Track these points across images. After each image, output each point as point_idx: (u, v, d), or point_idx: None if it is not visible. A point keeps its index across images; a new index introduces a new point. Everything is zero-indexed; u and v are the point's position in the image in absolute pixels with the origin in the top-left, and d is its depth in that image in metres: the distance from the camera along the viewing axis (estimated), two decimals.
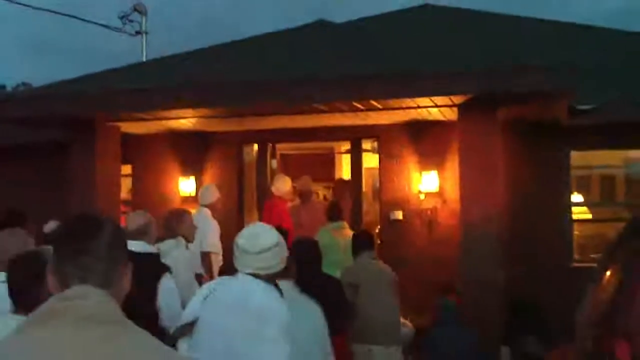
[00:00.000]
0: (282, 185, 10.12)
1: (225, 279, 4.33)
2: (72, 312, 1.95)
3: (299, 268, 5.36)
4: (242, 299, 3.99)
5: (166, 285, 5.45)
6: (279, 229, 6.65)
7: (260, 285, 4.03)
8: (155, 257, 5.71)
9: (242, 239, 4.14)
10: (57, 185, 11.17)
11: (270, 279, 4.13)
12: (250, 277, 4.05)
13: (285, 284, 5.12)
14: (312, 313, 4.98)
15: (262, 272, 4.06)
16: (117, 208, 10.43)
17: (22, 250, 4.01)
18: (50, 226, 7.49)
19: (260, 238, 4.10)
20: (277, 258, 4.13)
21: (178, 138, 11.30)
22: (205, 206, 9.53)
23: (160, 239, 6.63)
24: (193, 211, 9.71)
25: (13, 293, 3.60)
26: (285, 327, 3.96)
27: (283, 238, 4.96)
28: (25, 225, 7.58)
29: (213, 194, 9.69)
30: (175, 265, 6.01)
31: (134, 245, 5.47)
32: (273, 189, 10.24)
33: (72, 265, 2.10)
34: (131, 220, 5.97)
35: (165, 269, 5.56)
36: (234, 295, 4.04)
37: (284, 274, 5.25)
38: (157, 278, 5.40)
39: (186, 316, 4.25)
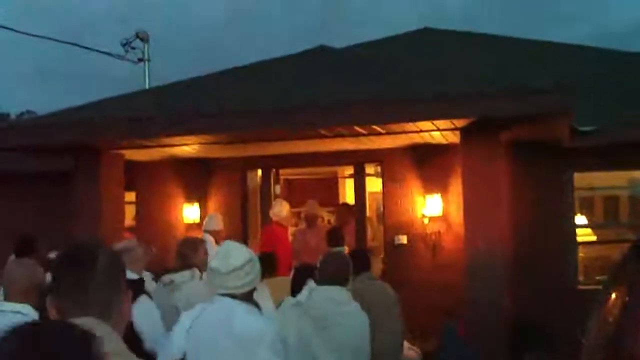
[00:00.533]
0: (280, 210, 10.05)
1: (204, 305, 4.22)
2: None
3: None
4: (225, 324, 3.93)
5: (141, 309, 5.29)
6: (266, 254, 6.71)
7: (241, 306, 3.98)
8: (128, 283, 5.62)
9: (214, 260, 4.09)
10: (62, 213, 11.18)
11: (247, 297, 4.07)
12: (228, 299, 3.99)
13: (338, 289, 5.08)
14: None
15: (237, 292, 3.99)
16: (120, 235, 10.43)
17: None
18: (55, 254, 7.47)
19: (231, 257, 4.02)
20: (251, 275, 4.06)
21: (181, 165, 11.34)
22: (209, 232, 9.55)
23: (173, 270, 6.53)
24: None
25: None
26: (273, 344, 3.92)
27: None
28: (34, 253, 7.61)
29: (218, 223, 9.78)
30: (190, 297, 5.93)
31: None
32: (271, 214, 10.17)
33: (71, 298, 2.08)
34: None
35: (139, 293, 5.43)
36: (217, 321, 3.98)
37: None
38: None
39: (173, 353, 4.14)
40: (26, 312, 4.01)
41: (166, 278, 6.41)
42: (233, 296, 3.99)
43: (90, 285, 2.08)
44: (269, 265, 7.20)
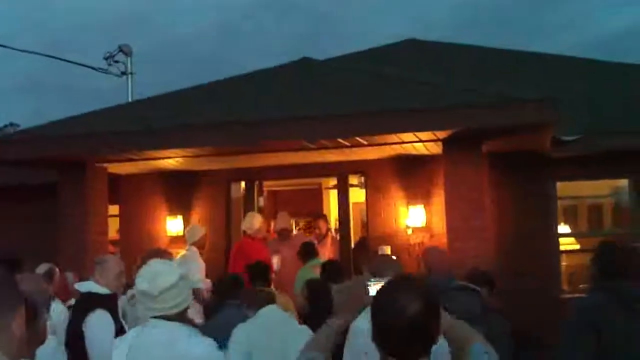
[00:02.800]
0: (252, 223, 9.81)
1: (137, 329, 3.93)
2: None
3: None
4: (168, 349, 3.68)
5: (90, 323, 5.31)
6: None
7: (181, 329, 3.76)
8: (88, 296, 5.52)
9: (142, 282, 3.80)
10: (46, 227, 11.14)
11: (183, 318, 3.85)
12: (165, 322, 3.75)
13: None
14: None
15: (171, 312, 3.76)
16: (105, 248, 10.41)
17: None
18: (43, 268, 7.43)
19: (160, 278, 3.77)
20: (184, 293, 3.83)
21: (165, 177, 11.33)
22: (192, 244, 9.49)
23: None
24: (182, 251, 9.69)
25: None
26: None
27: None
28: (21, 270, 7.53)
29: (197, 232, 9.63)
30: None
31: (81, 286, 5.65)
32: (243, 227, 9.94)
33: None
34: None
35: (93, 307, 5.38)
36: (158, 347, 3.71)
37: None
38: (82, 317, 5.34)
39: None
40: None
41: (130, 291, 6.40)
42: (168, 318, 3.76)
43: None
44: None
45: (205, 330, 4.46)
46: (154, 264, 3.94)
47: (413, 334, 2.39)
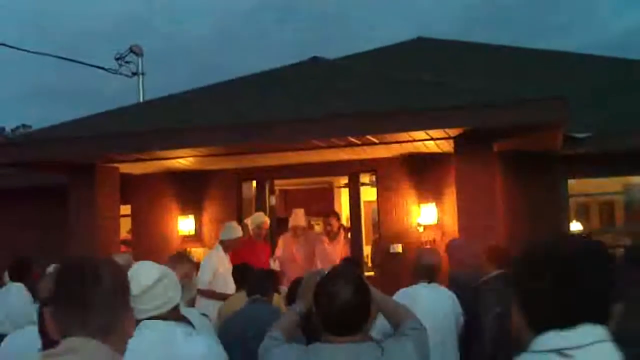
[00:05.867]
0: (251, 222, 9.85)
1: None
2: None
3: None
4: (167, 351, 3.55)
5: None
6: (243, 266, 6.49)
7: (177, 328, 3.65)
8: None
9: None
10: (57, 227, 11.17)
11: (175, 316, 3.73)
12: (158, 322, 3.63)
13: None
14: None
15: (160, 311, 3.65)
16: (116, 248, 10.42)
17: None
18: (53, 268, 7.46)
19: (141, 277, 3.64)
20: (170, 290, 3.71)
21: (176, 177, 11.34)
22: (220, 242, 9.37)
23: None
24: (197, 249, 9.63)
25: (42, 333, 3.59)
26: None
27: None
28: (30, 276, 7.60)
29: (226, 233, 9.41)
30: None
31: None
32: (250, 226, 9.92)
33: (71, 314, 2.00)
34: None
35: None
36: (157, 349, 3.56)
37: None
38: None
39: None
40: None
41: None
42: (162, 317, 3.64)
43: (93, 303, 2.00)
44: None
45: None
46: (137, 265, 3.82)
47: (347, 313, 2.98)
